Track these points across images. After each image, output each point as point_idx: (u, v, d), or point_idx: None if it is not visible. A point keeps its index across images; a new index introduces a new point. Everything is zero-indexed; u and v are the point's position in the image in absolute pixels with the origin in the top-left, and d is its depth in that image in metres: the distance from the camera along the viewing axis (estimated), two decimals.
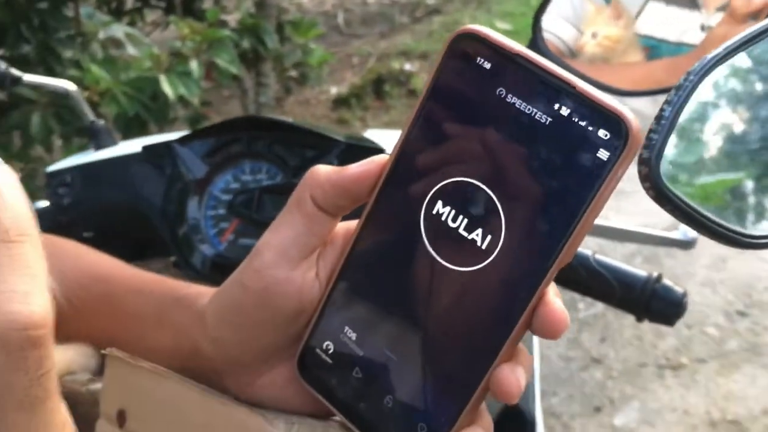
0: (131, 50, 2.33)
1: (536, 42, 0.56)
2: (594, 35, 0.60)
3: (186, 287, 0.41)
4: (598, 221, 0.54)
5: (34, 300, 0.22)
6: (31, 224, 0.23)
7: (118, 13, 2.64)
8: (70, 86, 0.83)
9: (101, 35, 2.26)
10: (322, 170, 0.34)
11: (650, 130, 0.31)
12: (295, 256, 0.33)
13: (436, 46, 3.82)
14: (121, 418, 0.37)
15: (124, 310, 0.42)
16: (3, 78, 0.70)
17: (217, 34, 1.75)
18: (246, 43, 2.45)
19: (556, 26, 0.62)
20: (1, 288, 0.21)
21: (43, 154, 2.01)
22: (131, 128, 1.76)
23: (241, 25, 2.45)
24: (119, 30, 2.37)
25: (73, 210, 0.73)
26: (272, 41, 2.54)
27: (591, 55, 0.60)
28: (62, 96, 0.85)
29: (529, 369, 0.31)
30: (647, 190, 0.31)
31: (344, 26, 4.31)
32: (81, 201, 0.67)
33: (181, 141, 0.74)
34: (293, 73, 3.05)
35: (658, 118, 0.31)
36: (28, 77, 0.74)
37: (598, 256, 0.53)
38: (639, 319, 0.55)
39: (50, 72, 1.92)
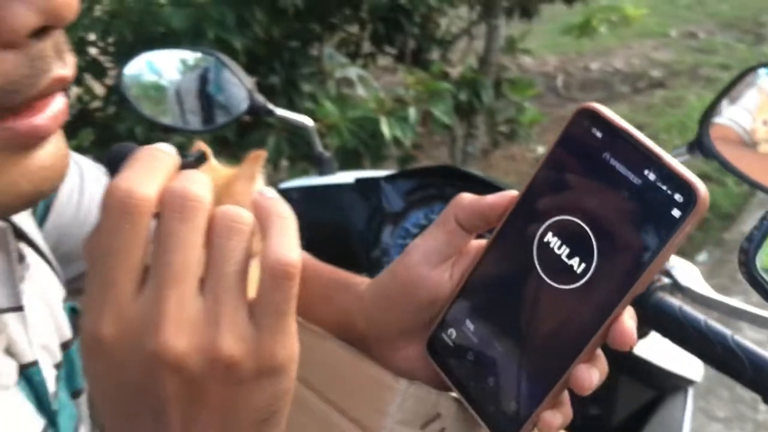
0: (361, 91, 2.58)
1: (701, 136, 0.62)
2: (765, 122, 0.64)
3: (353, 277, 0.55)
4: (739, 305, 0.59)
5: (295, 250, 0.34)
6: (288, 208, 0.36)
7: (354, 56, 2.91)
8: (308, 122, 1.00)
9: (337, 74, 2.53)
10: (466, 197, 0.45)
11: (754, 227, 0.38)
12: (435, 259, 0.45)
13: (653, 120, 3.76)
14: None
15: (310, 288, 0.55)
16: (259, 109, 0.88)
17: (438, 86, 1.91)
18: (463, 95, 2.61)
19: (735, 113, 0.68)
20: (280, 241, 0.34)
21: (270, 172, 2.28)
22: (348, 160, 1.96)
23: (461, 78, 2.61)
24: (353, 72, 2.63)
25: None
26: (488, 96, 2.66)
27: (762, 141, 0.65)
28: (298, 127, 1.02)
29: (603, 371, 0.40)
30: (743, 274, 0.38)
31: (562, 89, 4.36)
32: (299, 215, 0.81)
33: (388, 179, 0.88)
34: (503, 128, 3.17)
35: (763, 218, 0.38)
36: (278, 111, 0.92)
37: (736, 337, 0.58)
38: (765, 400, 0.59)
39: (290, 101, 2.19)
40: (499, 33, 2.90)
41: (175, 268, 0.32)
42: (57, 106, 0.35)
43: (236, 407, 0.34)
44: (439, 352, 0.46)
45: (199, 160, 0.37)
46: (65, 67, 0.34)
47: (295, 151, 2.02)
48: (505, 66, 3.22)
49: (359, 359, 0.49)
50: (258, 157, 0.52)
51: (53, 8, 0.31)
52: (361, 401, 0.48)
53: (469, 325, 0.45)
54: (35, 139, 0.34)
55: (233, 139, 1.95)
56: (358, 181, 0.90)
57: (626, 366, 0.85)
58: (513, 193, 0.44)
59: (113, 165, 0.35)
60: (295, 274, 0.33)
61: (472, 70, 2.70)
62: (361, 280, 0.54)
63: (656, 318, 0.63)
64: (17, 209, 0.38)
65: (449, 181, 0.83)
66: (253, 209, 0.35)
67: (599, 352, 0.40)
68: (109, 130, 2.01)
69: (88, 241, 0.33)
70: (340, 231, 0.87)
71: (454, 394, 0.46)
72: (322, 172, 0.98)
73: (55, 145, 0.36)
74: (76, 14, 0.32)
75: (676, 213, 0.35)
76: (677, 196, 0.35)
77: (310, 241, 0.87)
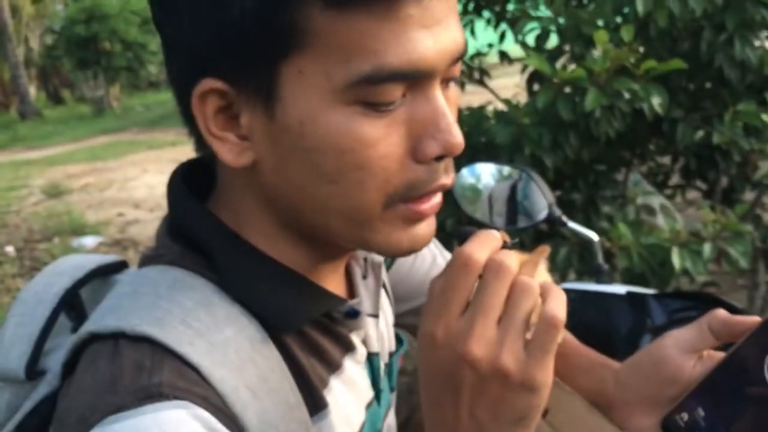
0: (660, 220, 2.63)
1: None
2: None
3: (609, 359, 0.71)
4: None
5: (563, 312, 0.51)
6: None
7: (662, 186, 2.96)
8: (594, 236, 1.16)
9: (639, 201, 2.60)
10: (723, 312, 0.61)
11: None
12: (684, 347, 0.60)
13: None
14: (544, 413, 0.65)
15: (572, 361, 0.72)
16: (555, 219, 1.07)
17: (737, 227, 1.91)
18: None
19: None
20: (555, 304, 0.51)
21: (557, 279, 2.42)
22: (634, 283, 2.03)
23: None
24: (656, 201, 2.69)
25: None
26: None
27: None
28: (587, 240, 1.18)
29: None
30: None
31: None
32: (573, 312, 0.98)
33: (656, 296, 1.00)
34: None
35: None
36: (570, 223, 1.09)
37: None
38: None
39: (587, 218, 2.34)
40: None
41: (485, 306, 0.52)
42: (436, 200, 0.59)
43: (503, 404, 0.52)
44: (670, 429, 0.60)
45: (512, 246, 0.57)
46: (448, 178, 0.58)
47: (584, 265, 2.14)
48: None
49: (598, 417, 0.64)
50: (543, 250, 0.70)
51: (451, 147, 0.55)
52: None
53: (701, 413, 0.58)
54: (421, 217, 0.58)
55: (529, 243, 2.14)
56: (630, 294, 1.03)
57: None
58: (756, 319, 0.57)
59: (462, 238, 0.56)
60: (561, 326, 0.51)
61: None
62: (616, 363, 0.70)
63: None
64: (395, 255, 0.61)
65: (711, 307, 0.93)
66: (539, 285, 0.53)
67: None
68: None
69: (436, 280, 0.55)
70: (604, 333, 1.01)
71: None
72: (598, 281, 1.13)
73: (428, 224, 0.60)
74: (462, 150, 0.55)
75: None
76: None
77: (577, 336, 1.02)
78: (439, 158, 0.56)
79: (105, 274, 0.74)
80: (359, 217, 0.57)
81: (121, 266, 0.76)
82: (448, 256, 0.93)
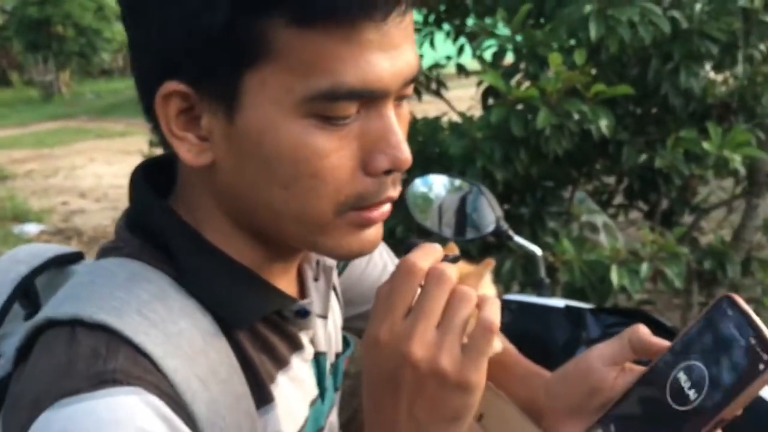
0: (602, 237, 2.71)
1: None
2: None
3: (544, 370, 0.74)
4: None
5: (497, 319, 0.55)
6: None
7: (606, 205, 3.05)
8: (537, 251, 1.21)
9: (583, 218, 2.69)
10: (644, 329, 0.65)
11: None
12: (607, 360, 0.65)
13: None
14: (479, 417, 0.69)
15: (509, 370, 0.76)
16: (502, 233, 1.11)
17: (674, 248, 2.00)
18: (707, 264, 2.63)
19: None
20: (490, 311, 0.55)
21: (501, 291, 2.48)
22: (574, 297, 2.10)
23: (709, 248, 2.65)
24: (599, 219, 2.78)
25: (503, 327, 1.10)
26: (734, 271, 2.64)
27: None
28: (531, 254, 1.22)
29: None
30: None
31: None
32: (513, 322, 1.02)
33: (593, 311, 1.05)
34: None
35: None
36: (516, 237, 1.14)
37: None
38: None
39: (533, 233, 2.40)
40: (758, 212, 2.89)
41: (426, 310, 0.55)
42: (385, 209, 0.62)
43: (440, 403, 0.55)
44: None
45: (454, 259, 0.61)
46: (395, 191, 0.61)
47: (527, 278, 2.20)
48: (760, 245, 3.16)
49: (528, 424, 0.68)
50: (489, 263, 0.74)
51: (399, 162, 0.59)
52: None
53: (612, 429, 0.62)
54: (370, 223, 0.61)
55: (475, 254, 2.19)
56: (568, 307, 1.08)
57: None
58: (667, 344, 0.62)
59: (407, 248, 0.59)
60: (495, 331, 0.55)
61: (722, 242, 2.71)
62: (549, 373, 0.74)
63: None
64: (346, 259, 0.64)
65: (648, 324, 0.99)
66: (476, 295, 0.57)
67: None
68: None
69: (383, 286, 0.58)
70: (543, 344, 1.05)
71: None
72: (539, 294, 1.17)
73: (377, 229, 0.63)
74: (409, 166, 0.58)
75: (762, 367, 0.53)
76: (766, 357, 0.53)
77: (516, 346, 1.07)
78: (388, 172, 0.60)
79: (61, 264, 0.75)
80: (311, 221, 0.60)
81: (77, 257, 0.77)
82: None
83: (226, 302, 0.63)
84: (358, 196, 0.60)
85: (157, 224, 0.64)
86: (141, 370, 0.54)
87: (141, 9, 0.58)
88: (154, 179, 0.67)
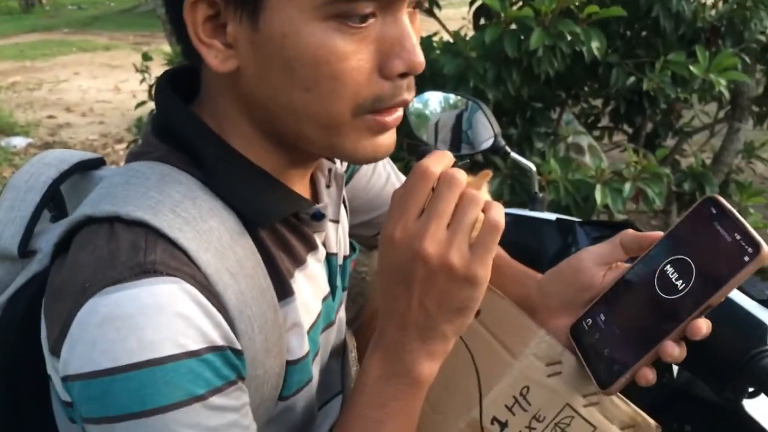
0: (587, 159, 2.79)
1: None
2: None
3: (535, 272, 0.84)
4: None
5: (502, 218, 0.62)
6: None
7: (592, 127, 3.11)
8: (532, 167, 1.28)
9: (570, 139, 2.75)
10: (632, 231, 0.71)
11: None
12: (598, 260, 0.73)
13: None
14: (477, 313, 0.77)
15: (503, 272, 0.84)
16: (499, 149, 1.17)
17: (656, 169, 2.07)
18: (687, 186, 2.71)
19: None
20: (496, 212, 0.61)
21: None
22: (558, 213, 2.18)
23: (689, 169, 2.73)
24: (585, 140, 2.84)
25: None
26: (712, 192, 2.73)
27: None
28: (522, 172, 1.29)
29: (683, 354, 0.64)
30: None
31: None
32: (508, 233, 1.09)
33: (581, 223, 1.12)
34: None
35: None
36: (513, 154, 1.20)
37: None
38: None
39: (521, 152, 2.46)
40: (739, 136, 2.96)
41: (438, 211, 0.61)
42: (398, 114, 0.67)
43: (448, 294, 0.62)
44: (576, 331, 0.72)
45: (462, 166, 0.67)
46: (410, 95, 0.66)
47: (514, 197, 2.28)
48: (739, 169, 3.25)
49: (524, 317, 0.76)
50: (487, 174, 0.80)
51: (414, 65, 0.63)
52: (513, 336, 0.75)
53: (602, 317, 0.70)
54: (385, 128, 0.66)
55: (466, 171, 2.25)
56: (558, 219, 1.16)
57: (740, 428, 1.01)
58: (659, 234, 0.69)
59: (421, 155, 0.65)
60: (500, 230, 0.61)
61: (702, 165, 2.79)
62: (540, 275, 0.82)
63: (763, 380, 0.77)
64: (360, 163, 0.71)
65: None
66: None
67: (683, 343, 0.65)
68: None
69: (397, 190, 0.64)
70: (535, 253, 1.13)
71: (579, 356, 0.72)
72: (532, 208, 1.25)
73: (390, 135, 0.68)
74: (422, 69, 0.63)
75: (746, 259, 0.60)
76: (750, 249, 0.60)
77: (511, 255, 1.14)
78: (403, 75, 0.64)
79: (85, 169, 0.80)
80: (330, 123, 0.64)
81: (99, 162, 0.82)
82: (401, 176, 1.03)
83: (250, 203, 0.67)
84: (375, 98, 0.63)
85: (183, 130, 0.68)
86: (178, 262, 0.60)
87: None
88: (178, 88, 0.71)
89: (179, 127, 0.69)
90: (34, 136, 5.98)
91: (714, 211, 0.64)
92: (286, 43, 0.60)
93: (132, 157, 0.70)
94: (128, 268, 0.58)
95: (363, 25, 0.61)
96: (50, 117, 6.61)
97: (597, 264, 0.74)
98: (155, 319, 0.56)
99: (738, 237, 0.61)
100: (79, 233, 0.64)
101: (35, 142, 5.83)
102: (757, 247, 0.59)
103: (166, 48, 4.14)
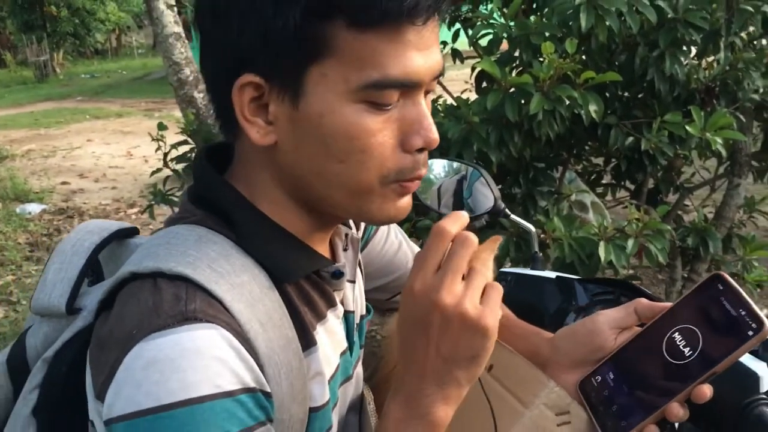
0: (590, 215, 2.84)
1: None
2: None
3: (542, 330, 0.89)
4: None
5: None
6: None
7: (594, 184, 3.17)
8: (532, 228, 1.34)
9: (573, 197, 2.80)
10: (647, 300, 0.78)
11: None
12: (612, 324, 0.80)
13: None
14: (489, 368, 0.82)
15: (510, 330, 0.89)
16: (500, 212, 1.24)
17: (658, 225, 2.12)
18: (690, 241, 2.75)
19: None
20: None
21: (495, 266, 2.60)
22: (563, 271, 2.22)
23: (692, 225, 2.78)
24: (588, 198, 2.90)
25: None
26: (715, 247, 2.76)
27: None
28: (524, 232, 1.35)
29: (686, 415, 0.70)
30: None
31: None
32: (511, 292, 1.15)
33: (581, 281, 1.17)
34: None
35: None
36: (513, 216, 1.26)
37: None
38: None
39: (525, 211, 2.52)
40: (739, 191, 3.02)
41: (453, 267, 0.68)
42: (416, 183, 0.74)
43: (461, 341, 0.68)
44: (585, 387, 0.78)
45: (474, 227, 0.73)
46: (425, 169, 0.74)
47: (519, 254, 2.33)
48: (741, 223, 3.30)
49: (531, 366, 0.81)
50: (497, 239, 0.87)
51: (430, 141, 0.72)
52: (524, 387, 0.80)
53: (611, 375, 0.76)
54: (405, 192, 0.74)
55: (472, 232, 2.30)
56: (559, 277, 1.21)
57: None
58: (668, 305, 0.75)
59: (438, 217, 0.72)
60: (501, 291, 0.68)
61: (705, 220, 2.83)
62: (547, 332, 0.89)
63: (757, 428, 0.80)
64: (383, 223, 0.79)
65: (625, 292, 1.12)
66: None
67: (686, 404, 0.70)
68: None
69: (419, 253, 0.71)
70: (536, 310, 1.18)
71: (588, 412, 0.77)
72: (533, 268, 1.30)
73: (409, 199, 0.76)
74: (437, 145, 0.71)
75: (750, 333, 0.66)
76: (754, 325, 0.66)
77: (515, 313, 1.19)
78: (420, 150, 0.72)
79: (122, 237, 0.88)
80: (359, 190, 0.73)
81: (134, 232, 0.89)
82: (412, 244, 1.10)
83: (278, 261, 0.75)
84: (398, 171, 0.71)
85: (218, 197, 0.77)
86: (215, 310, 0.66)
87: (223, 12, 0.70)
88: (211, 159, 0.79)
89: (213, 195, 0.77)
90: (48, 203, 6.10)
91: (720, 288, 0.70)
92: (323, 121, 0.69)
93: (170, 222, 0.79)
94: (171, 316, 0.65)
95: (388, 107, 0.70)
96: (64, 183, 6.75)
97: (611, 327, 0.80)
98: (195, 362, 0.62)
99: (743, 312, 0.67)
100: (124, 289, 0.71)
101: (49, 208, 5.95)
102: (761, 324, 0.66)
103: (177, 113, 4.27)
